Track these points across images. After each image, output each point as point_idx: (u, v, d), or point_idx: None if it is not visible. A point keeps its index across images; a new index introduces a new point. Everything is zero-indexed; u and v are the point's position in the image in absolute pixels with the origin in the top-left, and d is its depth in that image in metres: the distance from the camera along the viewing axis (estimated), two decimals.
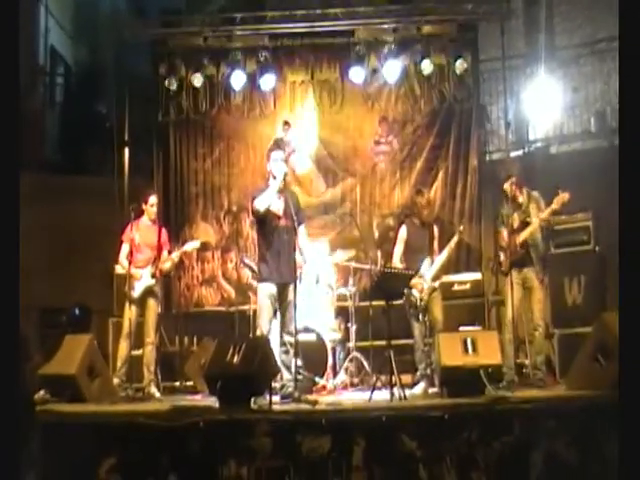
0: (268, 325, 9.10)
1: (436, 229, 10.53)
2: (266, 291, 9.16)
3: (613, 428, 5.84)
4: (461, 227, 10.72)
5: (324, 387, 10.27)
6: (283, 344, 9.12)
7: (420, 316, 10.03)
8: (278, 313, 9.22)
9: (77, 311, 12.08)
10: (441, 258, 10.22)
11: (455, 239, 10.29)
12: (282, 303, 9.20)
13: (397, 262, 10.37)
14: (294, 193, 9.85)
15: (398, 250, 10.46)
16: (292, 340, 9.10)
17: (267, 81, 13.16)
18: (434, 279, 10.13)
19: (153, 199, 10.55)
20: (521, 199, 9.88)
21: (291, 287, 9.18)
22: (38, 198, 13.80)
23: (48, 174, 14.62)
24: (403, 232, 10.54)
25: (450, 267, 11.34)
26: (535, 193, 9.90)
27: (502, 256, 9.90)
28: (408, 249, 10.39)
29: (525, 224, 9.74)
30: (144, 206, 10.45)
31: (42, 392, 9.49)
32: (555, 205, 9.50)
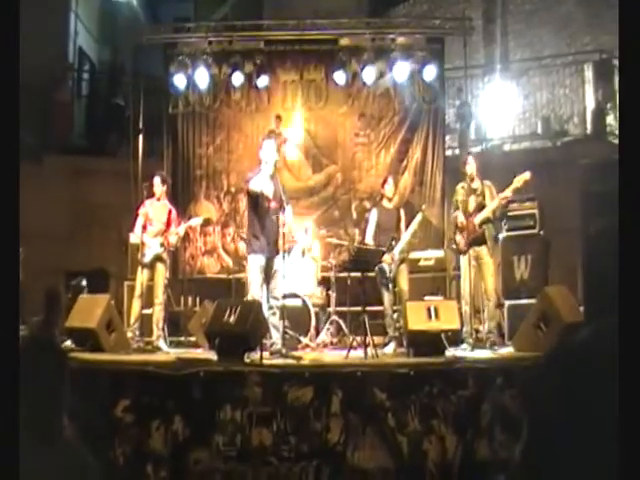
0: (259, 291, 9.08)
1: (402, 212, 10.49)
2: (256, 262, 9.13)
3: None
4: (423, 206, 10.68)
5: (308, 345, 10.26)
6: (270, 308, 9.09)
7: (390, 286, 10.04)
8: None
9: (97, 274, 12.03)
10: (406, 235, 10.19)
11: (419, 218, 10.25)
12: (268, 272, 9.18)
13: (369, 240, 10.35)
14: (281, 178, 9.83)
15: (370, 230, 10.43)
16: (278, 304, 9.11)
17: (262, 80, 13.07)
18: (400, 253, 10.11)
19: (156, 180, 10.49)
20: (476, 184, 9.84)
21: (276, 259, 9.19)
22: (65, 176, 13.76)
23: (74, 156, 14.59)
24: (374, 215, 10.52)
25: (417, 243, 11.36)
26: (487, 182, 9.87)
27: (459, 237, 9.86)
28: (379, 229, 10.36)
29: (481, 207, 9.71)
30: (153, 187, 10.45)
31: (68, 342, 9.49)
32: (517, 183, 9.40)
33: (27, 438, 2.81)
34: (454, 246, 10.02)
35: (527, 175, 9.36)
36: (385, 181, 10.67)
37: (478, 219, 9.63)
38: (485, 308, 9.83)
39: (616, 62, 13.03)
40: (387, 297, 10.08)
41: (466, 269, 9.70)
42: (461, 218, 9.74)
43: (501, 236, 10.64)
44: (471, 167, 9.85)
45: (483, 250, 9.68)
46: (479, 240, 9.68)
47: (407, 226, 10.30)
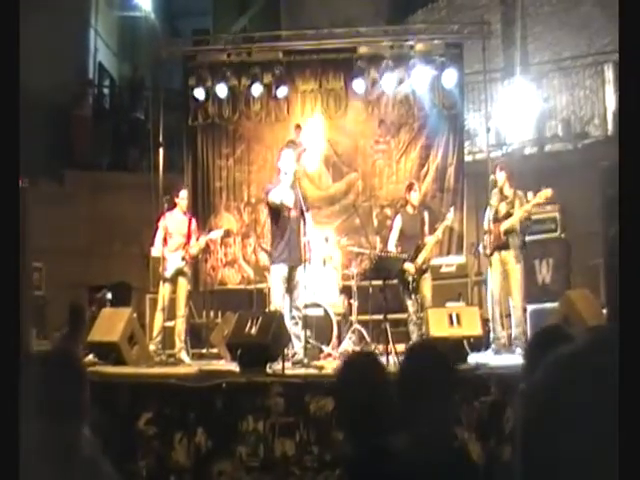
0: (280, 301, 9.11)
1: (426, 215, 10.43)
2: (278, 272, 9.16)
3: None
4: (449, 215, 10.62)
5: (330, 354, 10.25)
6: (293, 318, 9.11)
7: (412, 294, 10.00)
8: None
9: (119, 288, 12.10)
10: (430, 242, 10.15)
11: (445, 224, 10.23)
12: (291, 282, 9.19)
13: (391, 247, 10.30)
14: (302, 187, 9.81)
15: (393, 237, 10.35)
16: (300, 314, 9.12)
17: (281, 91, 13.13)
18: (424, 262, 10.08)
19: (183, 193, 10.53)
20: (508, 192, 9.83)
21: (299, 269, 9.20)
22: (86, 191, 13.86)
23: (95, 170, 14.70)
24: (398, 221, 10.44)
25: (441, 249, 11.40)
26: (520, 192, 9.87)
27: (487, 240, 9.88)
28: (403, 236, 10.30)
29: (509, 215, 9.70)
30: (176, 199, 10.43)
31: (91, 356, 9.54)
32: (539, 199, 9.48)
33: (47, 452, 2.83)
34: (481, 248, 10.05)
35: (549, 192, 9.40)
36: (411, 188, 10.52)
37: (503, 227, 9.64)
38: (512, 314, 9.79)
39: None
40: (410, 305, 10.03)
41: (491, 273, 9.71)
42: (488, 222, 9.79)
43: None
44: (500, 176, 9.88)
45: (509, 256, 9.67)
46: (504, 246, 9.68)
47: (430, 230, 10.27)
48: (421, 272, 10.03)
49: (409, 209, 10.44)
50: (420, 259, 10.00)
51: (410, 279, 9.94)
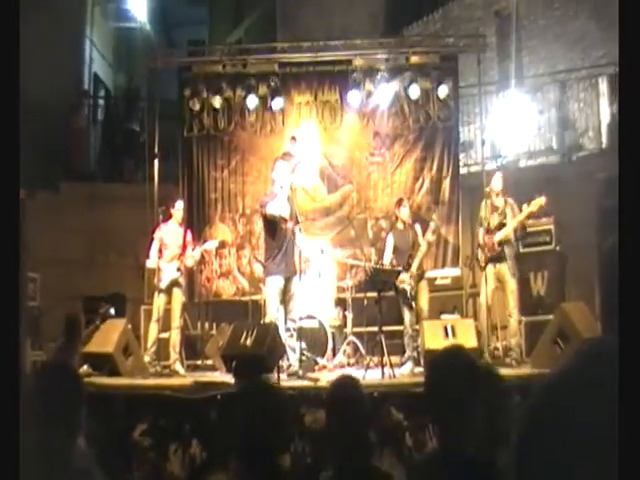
0: (276, 313, 9.12)
1: (418, 228, 10.38)
2: (274, 284, 9.18)
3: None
4: (434, 215, 10.71)
5: (325, 367, 10.24)
6: (287, 329, 9.13)
7: (413, 304, 9.95)
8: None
9: (114, 299, 12.10)
10: (423, 245, 10.10)
11: (432, 226, 10.20)
12: (286, 294, 9.22)
13: (386, 263, 10.27)
14: (296, 199, 9.86)
15: (387, 255, 10.28)
16: (295, 326, 9.13)
17: (277, 102, 13.13)
18: (419, 267, 10.02)
19: (179, 204, 10.54)
20: (499, 202, 9.85)
21: (294, 280, 9.22)
22: (81, 203, 13.86)
23: (90, 182, 14.72)
24: (390, 239, 10.36)
25: (436, 262, 11.40)
26: (510, 200, 9.88)
27: (480, 253, 9.89)
28: (397, 252, 10.26)
29: (502, 225, 9.72)
30: (172, 210, 10.43)
31: (85, 367, 9.54)
32: (532, 208, 9.50)
33: (42, 463, 2.83)
34: (474, 262, 10.05)
35: (542, 200, 9.43)
36: (400, 203, 10.47)
37: (497, 238, 9.65)
38: (507, 325, 9.81)
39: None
40: (408, 316, 9.96)
41: (486, 285, 9.72)
42: (481, 235, 9.80)
43: (518, 252, 10.63)
44: (497, 183, 9.90)
45: (504, 267, 9.68)
46: (499, 258, 9.69)
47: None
48: (418, 278, 9.98)
49: (399, 225, 10.37)
50: (414, 266, 9.94)
51: (408, 288, 9.90)
